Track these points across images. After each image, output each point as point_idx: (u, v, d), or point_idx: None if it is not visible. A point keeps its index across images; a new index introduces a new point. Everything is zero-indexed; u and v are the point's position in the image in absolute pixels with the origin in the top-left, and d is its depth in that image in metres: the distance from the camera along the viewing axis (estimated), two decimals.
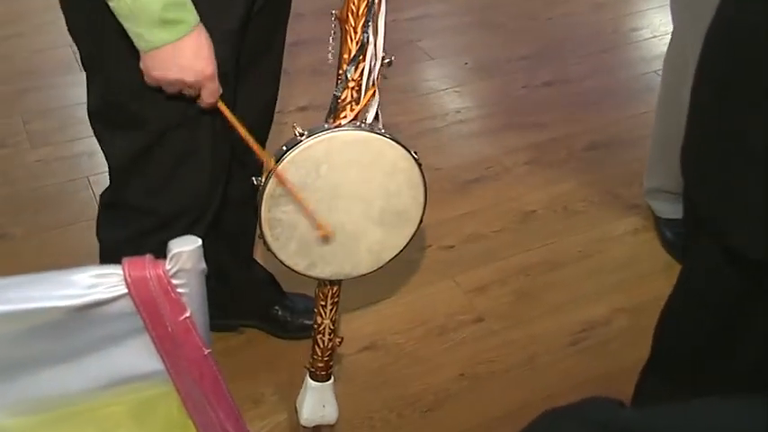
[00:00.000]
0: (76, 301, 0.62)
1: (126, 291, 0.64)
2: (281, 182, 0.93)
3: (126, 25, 0.88)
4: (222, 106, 0.97)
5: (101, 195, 1.20)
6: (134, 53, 0.91)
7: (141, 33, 0.87)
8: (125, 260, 0.64)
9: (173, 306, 0.65)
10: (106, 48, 0.96)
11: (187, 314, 0.66)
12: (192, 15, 0.89)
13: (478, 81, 2.40)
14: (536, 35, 2.61)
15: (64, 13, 1.00)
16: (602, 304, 1.64)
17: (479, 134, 2.17)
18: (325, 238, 0.98)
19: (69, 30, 1.02)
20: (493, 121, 2.22)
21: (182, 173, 1.07)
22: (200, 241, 0.66)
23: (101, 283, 0.63)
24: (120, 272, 0.64)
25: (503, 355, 1.53)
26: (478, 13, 2.75)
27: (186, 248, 0.65)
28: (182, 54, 0.89)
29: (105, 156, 1.12)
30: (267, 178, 0.94)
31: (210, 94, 0.95)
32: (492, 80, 2.39)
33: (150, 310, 0.65)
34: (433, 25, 2.66)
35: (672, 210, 1.77)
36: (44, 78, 2.25)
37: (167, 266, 0.65)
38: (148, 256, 0.65)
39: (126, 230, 1.13)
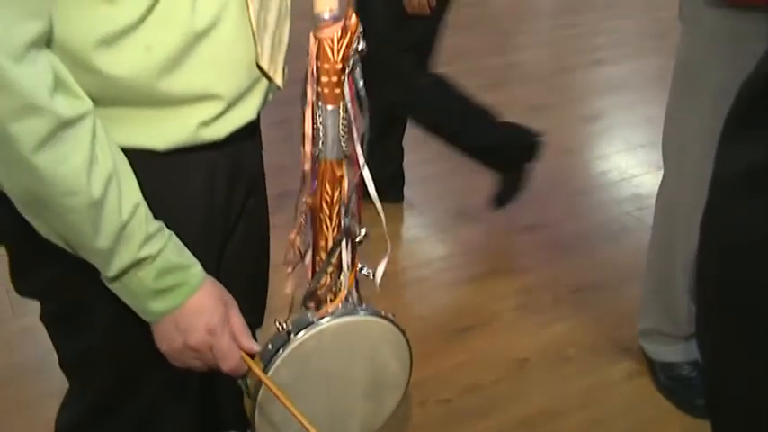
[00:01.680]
0: None
1: None
2: (274, 394, 0.88)
3: (127, 302, 0.82)
4: (248, 361, 0.88)
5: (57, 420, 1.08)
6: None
7: (139, 308, 0.82)
8: None
9: None
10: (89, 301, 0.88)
11: None
12: (192, 275, 0.83)
13: (461, 227, 2.46)
14: None
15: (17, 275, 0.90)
16: None
17: (465, 281, 2.20)
18: None
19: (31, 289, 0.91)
20: (478, 267, 2.26)
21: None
22: None
23: None
24: None
25: None
26: (455, 161, 2.85)
27: None
28: (184, 319, 0.82)
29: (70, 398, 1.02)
30: (257, 388, 0.90)
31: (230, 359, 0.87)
32: (474, 226, 2.45)
33: None
34: (414, 173, 2.75)
35: (666, 352, 1.77)
36: None
37: None
38: None
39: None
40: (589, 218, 2.49)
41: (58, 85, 0.70)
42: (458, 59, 3.73)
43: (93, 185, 0.72)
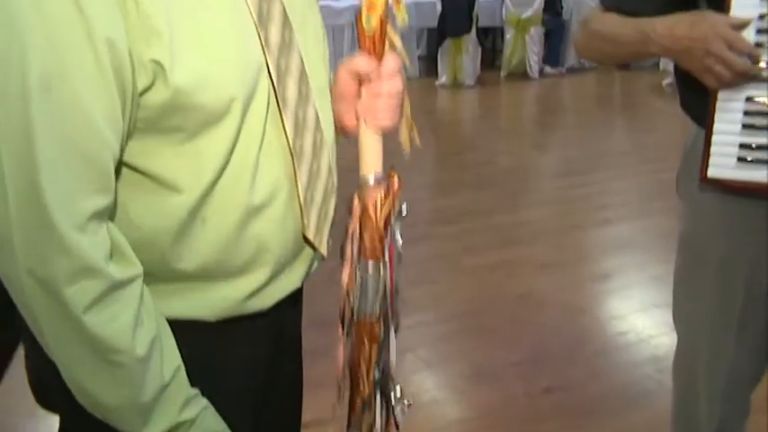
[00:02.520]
0: None
1: None
2: None
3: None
4: None
5: None
6: None
7: None
8: None
9: None
10: None
11: None
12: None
13: (478, 389, 2.41)
14: (528, 340, 2.70)
15: None
16: None
17: None
18: None
19: None
20: None
21: None
22: None
23: None
24: None
25: None
26: (469, 319, 2.87)
27: None
28: None
29: None
30: None
31: None
32: (491, 388, 2.41)
33: None
34: (428, 333, 2.75)
35: None
36: None
37: None
38: None
39: None
40: (610, 379, 2.45)
41: (114, 252, 0.75)
42: (469, 218, 3.85)
43: (137, 345, 0.75)
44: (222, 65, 0.77)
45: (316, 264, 0.97)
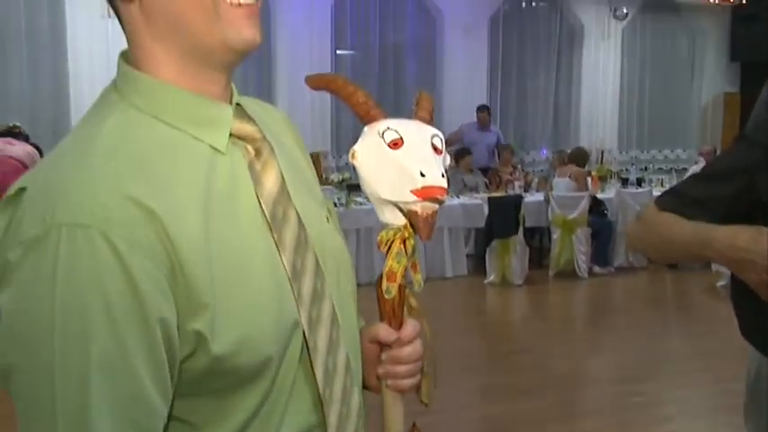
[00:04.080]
0: None
1: None
2: None
3: None
4: None
5: None
6: None
7: None
8: None
9: None
10: None
11: None
12: None
13: None
14: None
15: None
16: None
17: None
18: None
19: None
20: None
21: None
22: None
23: None
24: None
25: None
26: None
27: None
28: None
29: None
30: None
31: None
32: None
33: None
34: None
35: None
36: None
37: None
38: None
39: None
40: None
41: None
42: (521, 427, 3.66)
43: None
44: (260, 328, 0.79)
45: None
